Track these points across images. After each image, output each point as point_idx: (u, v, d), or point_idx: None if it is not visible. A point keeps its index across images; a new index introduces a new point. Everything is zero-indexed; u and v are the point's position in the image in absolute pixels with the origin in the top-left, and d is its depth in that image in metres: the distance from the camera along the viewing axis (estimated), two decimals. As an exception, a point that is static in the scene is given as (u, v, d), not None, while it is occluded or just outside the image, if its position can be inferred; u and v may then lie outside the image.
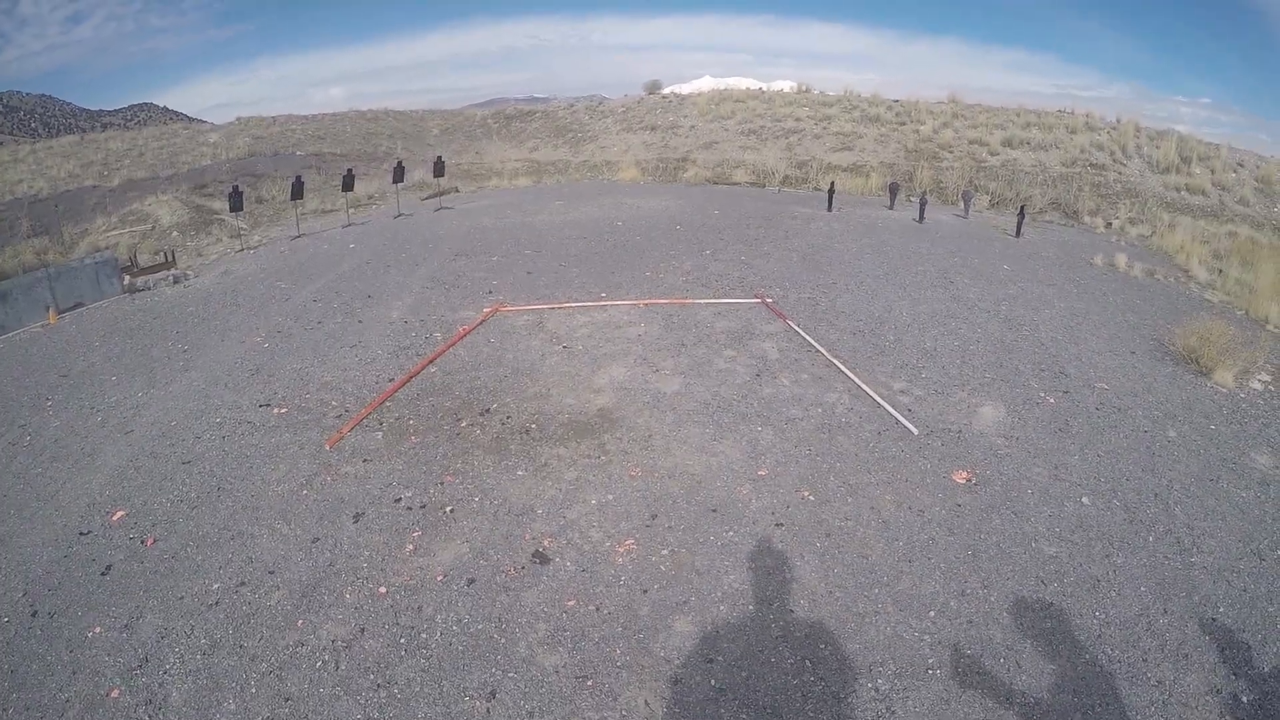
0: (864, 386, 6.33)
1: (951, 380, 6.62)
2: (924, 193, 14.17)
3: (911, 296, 9.13)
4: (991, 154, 19.08)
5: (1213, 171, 17.30)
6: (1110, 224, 14.66)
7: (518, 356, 7.18)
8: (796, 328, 7.81)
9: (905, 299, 9.01)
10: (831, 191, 14.46)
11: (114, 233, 17.09)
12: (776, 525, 4.46)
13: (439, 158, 17.02)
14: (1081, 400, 6.32)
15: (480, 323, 8.21)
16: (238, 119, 29.26)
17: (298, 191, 14.52)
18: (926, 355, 7.20)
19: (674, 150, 22.14)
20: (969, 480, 4.98)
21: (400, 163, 16.78)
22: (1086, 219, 15.06)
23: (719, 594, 3.87)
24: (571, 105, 28.68)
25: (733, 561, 4.13)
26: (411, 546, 4.31)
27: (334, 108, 31.33)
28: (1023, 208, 12.90)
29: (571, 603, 3.83)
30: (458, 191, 19.53)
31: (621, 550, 4.24)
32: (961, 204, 14.58)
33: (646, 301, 8.76)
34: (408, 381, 6.68)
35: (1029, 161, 18.58)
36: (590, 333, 7.79)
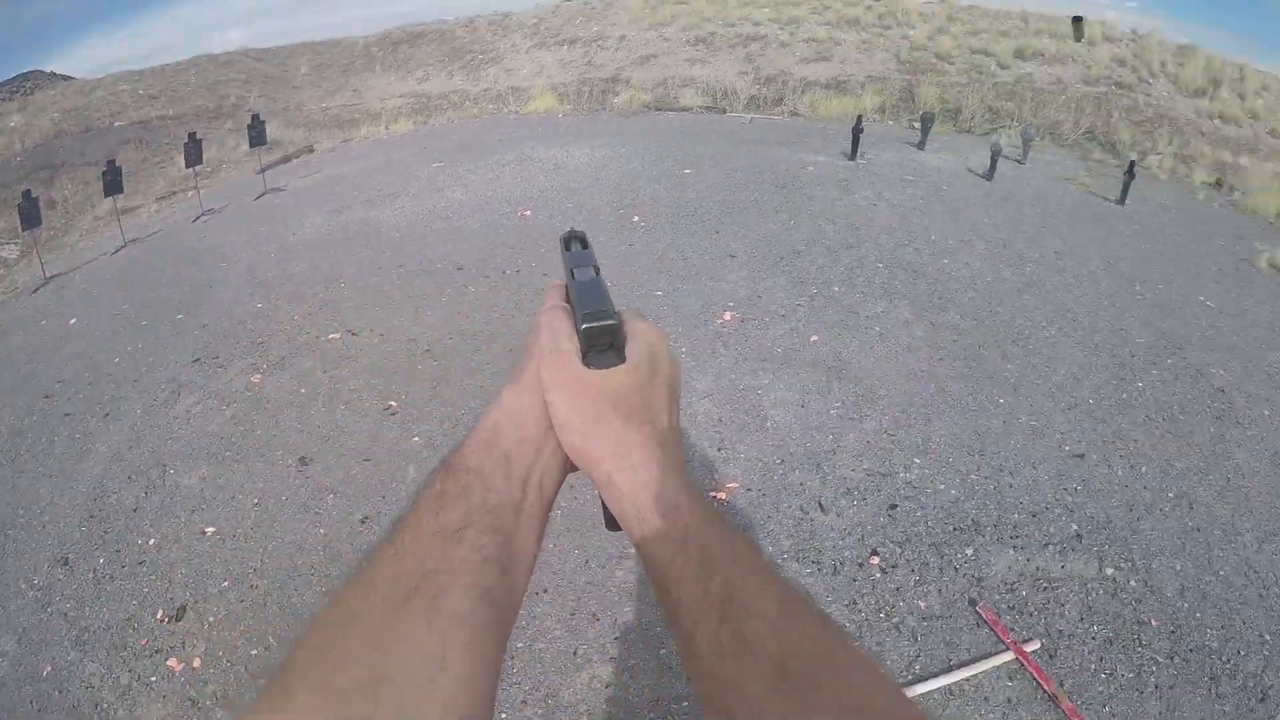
0: None
1: None
2: (996, 142, 10.11)
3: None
4: (1001, 66, 15.28)
5: (1242, 98, 14.68)
6: (1153, 158, 11.45)
7: None
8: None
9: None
10: (858, 133, 10.03)
11: None
12: None
13: (254, 117, 11.25)
14: None
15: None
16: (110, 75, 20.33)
17: (113, 186, 9.42)
18: None
19: (600, 69, 16.77)
20: None
21: (193, 134, 10.72)
22: (1134, 154, 11.70)
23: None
24: (471, 21, 22.32)
25: None
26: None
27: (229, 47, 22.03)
28: (1132, 165, 9.31)
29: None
30: (311, 152, 14.09)
31: None
32: (1020, 145, 10.79)
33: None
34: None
35: (1045, 77, 15.02)
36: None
